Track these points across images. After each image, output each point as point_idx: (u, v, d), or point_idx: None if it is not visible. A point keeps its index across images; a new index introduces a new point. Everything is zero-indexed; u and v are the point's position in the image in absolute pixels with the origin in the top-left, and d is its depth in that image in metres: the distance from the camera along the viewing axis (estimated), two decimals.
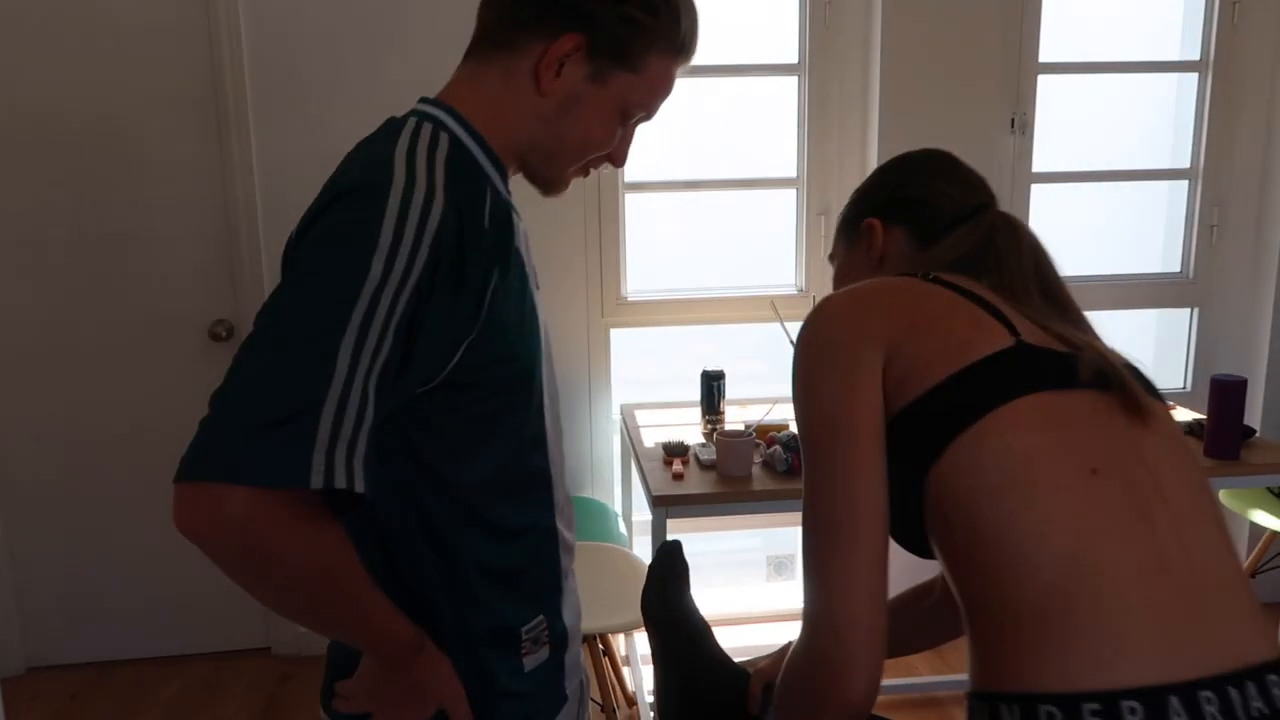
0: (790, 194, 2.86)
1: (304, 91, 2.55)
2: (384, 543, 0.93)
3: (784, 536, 3.42)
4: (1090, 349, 0.91)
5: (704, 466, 2.21)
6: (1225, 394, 2.09)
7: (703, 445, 2.33)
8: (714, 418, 2.50)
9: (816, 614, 0.84)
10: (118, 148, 2.55)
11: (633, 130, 1.01)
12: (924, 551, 0.92)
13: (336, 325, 0.76)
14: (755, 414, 2.56)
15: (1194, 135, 2.87)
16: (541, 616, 0.99)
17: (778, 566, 3.56)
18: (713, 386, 2.50)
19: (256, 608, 2.82)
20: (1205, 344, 2.96)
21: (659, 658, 1.19)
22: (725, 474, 2.15)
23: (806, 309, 2.76)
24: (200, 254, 2.64)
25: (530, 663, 0.98)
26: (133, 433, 2.71)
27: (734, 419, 2.53)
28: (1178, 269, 2.96)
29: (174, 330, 2.67)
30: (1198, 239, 2.91)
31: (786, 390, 3.07)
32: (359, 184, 0.82)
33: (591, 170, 1.04)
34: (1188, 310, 2.97)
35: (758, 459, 2.21)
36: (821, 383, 0.89)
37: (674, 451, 2.28)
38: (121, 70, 2.52)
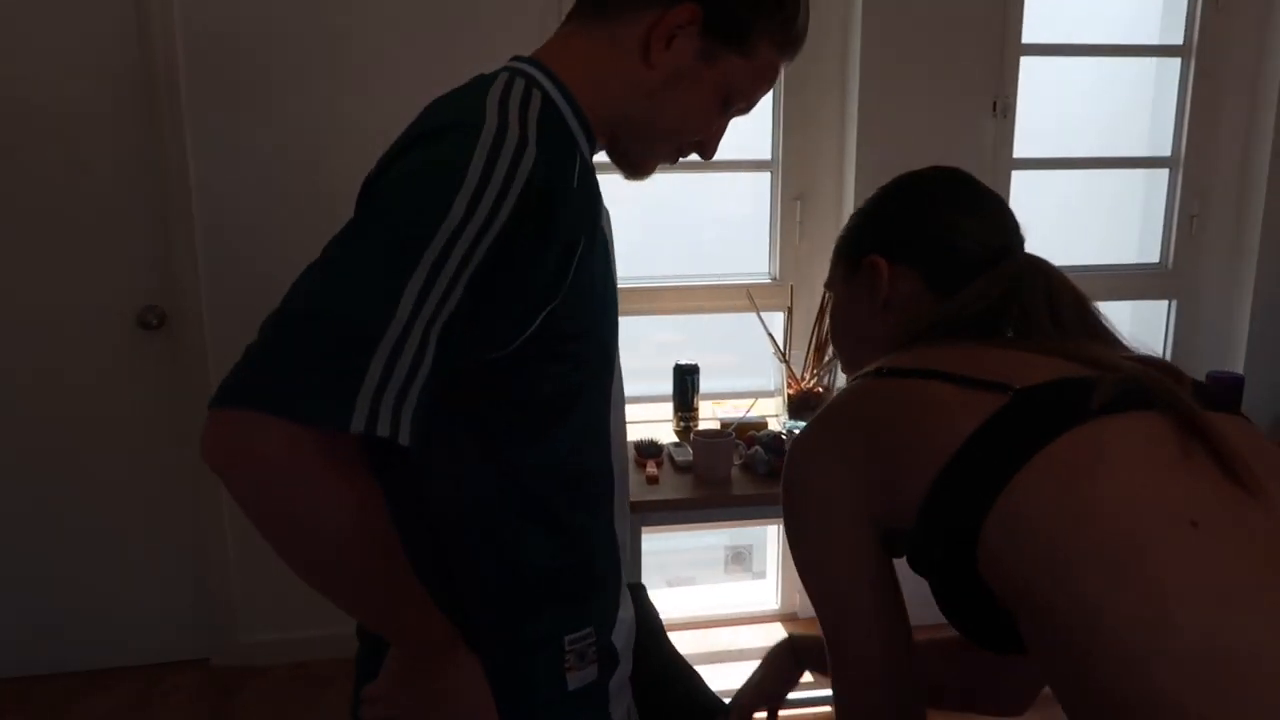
0: (764, 178, 2.72)
1: (244, 67, 2.34)
2: (429, 527, 0.85)
3: (746, 529, 3.31)
4: (1128, 364, 0.78)
5: (679, 468, 2.08)
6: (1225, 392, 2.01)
7: (677, 445, 2.19)
8: (687, 415, 2.37)
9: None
10: (34, 120, 2.32)
11: (727, 121, 0.96)
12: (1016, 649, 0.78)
13: (406, 263, 0.71)
14: (729, 410, 2.43)
15: (1175, 122, 2.79)
16: (590, 629, 0.91)
17: (736, 557, 3.46)
18: (686, 381, 2.36)
19: (192, 616, 2.63)
20: (1184, 337, 2.90)
21: (644, 703, 1.09)
22: (703, 477, 2.02)
23: (781, 299, 2.66)
24: (128, 236, 2.41)
25: (574, 680, 0.90)
26: (54, 430, 2.48)
27: (707, 415, 2.40)
28: (1156, 259, 2.89)
29: (99, 318, 2.44)
30: (1177, 229, 2.84)
31: (762, 384, 2.89)
32: (449, 123, 0.78)
33: (679, 158, 0.97)
34: (1166, 302, 2.91)
35: (737, 460, 2.08)
36: (808, 555, 0.88)
37: (647, 452, 2.14)
38: (40, 37, 2.28)
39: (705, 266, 2.78)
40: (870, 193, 1.03)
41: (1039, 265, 0.91)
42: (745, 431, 2.17)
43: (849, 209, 2.55)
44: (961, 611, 0.80)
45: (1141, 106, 2.91)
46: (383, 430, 0.69)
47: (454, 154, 0.74)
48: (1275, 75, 2.65)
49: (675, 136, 0.93)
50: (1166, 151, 2.82)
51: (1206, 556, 0.66)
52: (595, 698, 0.93)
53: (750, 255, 2.78)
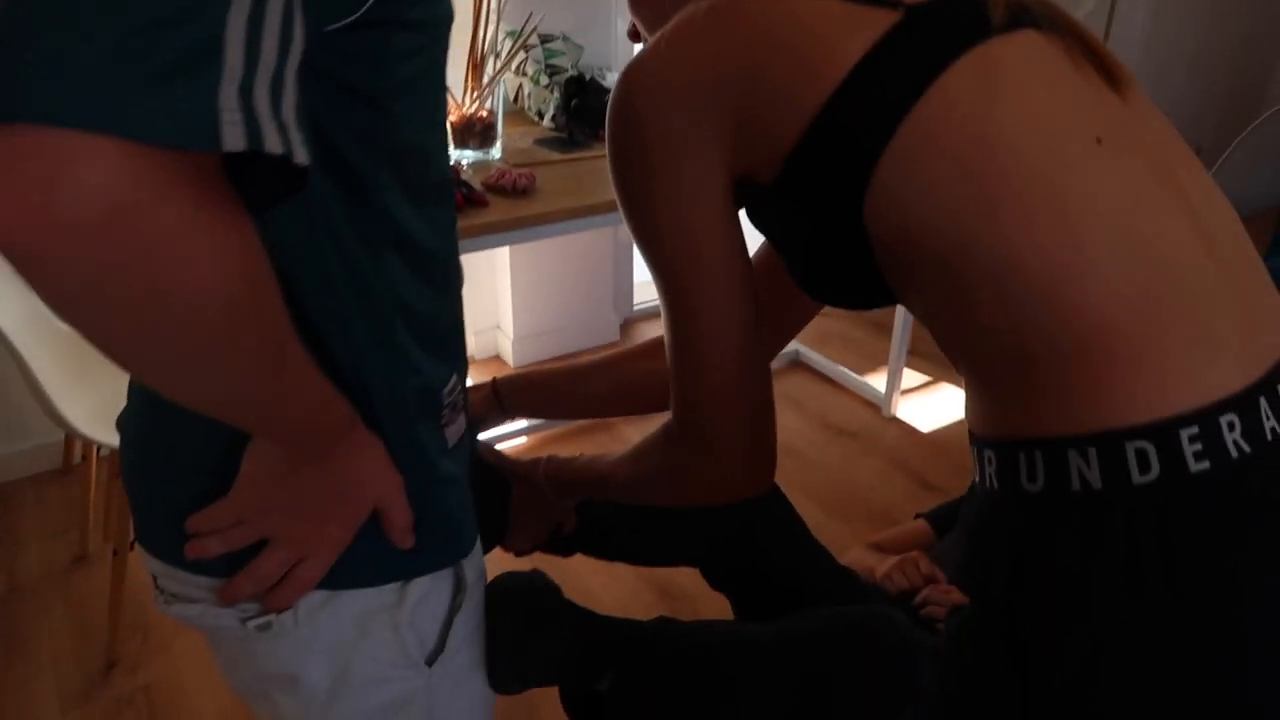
0: None
1: None
2: (285, 270, 0.56)
3: None
4: None
5: None
6: None
7: None
8: None
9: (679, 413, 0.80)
10: None
11: None
12: (879, 302, 0.75)
13: None
14: None
15: None
16: (456, 375, 0.75)
17: None
18: None
19: None
20: None
21: None
22: None
23: None
24: None
25: (452, 435, 0.75)
26: None
27: None
28: None
29: None
30: None
31: None
32: None
33: None
34: None
35: None
36: (649, 217, 0.74)
37: None
38: None
39: None
40: None
41: None
42: None
43: None
44: (815, 267, 0.75)
45: None
46: (272, 144, 0.43)
47: None
48: None
49: None
50: None
51: (1112, 173, 0.66)
52: (464, 450, 0.80)
53: None
